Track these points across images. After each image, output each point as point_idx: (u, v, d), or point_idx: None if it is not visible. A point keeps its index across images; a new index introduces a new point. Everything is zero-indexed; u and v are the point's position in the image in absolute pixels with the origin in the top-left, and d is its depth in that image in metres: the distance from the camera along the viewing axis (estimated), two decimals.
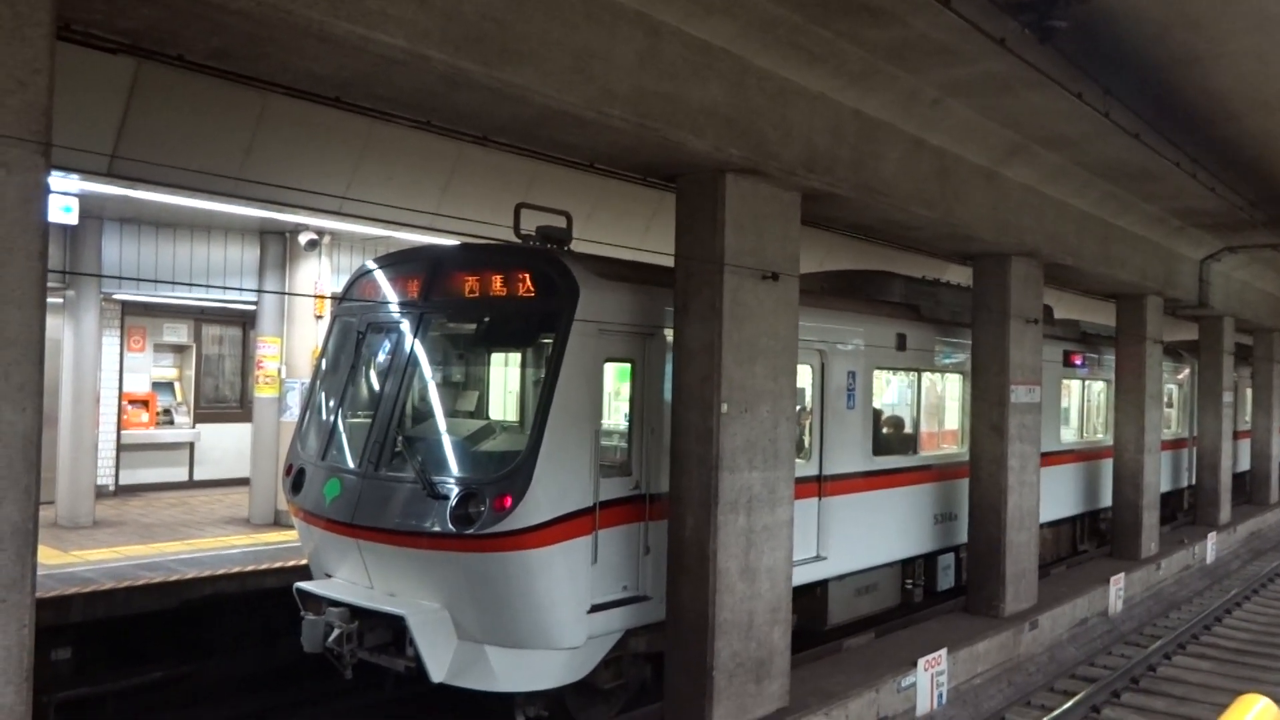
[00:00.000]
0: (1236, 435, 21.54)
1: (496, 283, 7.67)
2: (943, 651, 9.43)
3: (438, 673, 7.04)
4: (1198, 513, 19.59)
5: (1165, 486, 18.21)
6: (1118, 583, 13.46)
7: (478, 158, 11.38)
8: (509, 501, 6.91)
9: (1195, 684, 10.48)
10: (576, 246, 8.24)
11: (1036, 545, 12.18)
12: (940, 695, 9.34)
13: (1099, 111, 8.61)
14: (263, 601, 9.93)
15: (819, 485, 9.70)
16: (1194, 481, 19.98)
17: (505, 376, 8.80)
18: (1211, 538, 17.55)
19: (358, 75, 5.79)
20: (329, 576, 7.94)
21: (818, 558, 9.63)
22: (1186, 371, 20.13)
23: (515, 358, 8.64)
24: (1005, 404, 11.35)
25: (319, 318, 13.39)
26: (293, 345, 13.54)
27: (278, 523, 13.09)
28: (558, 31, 5.93)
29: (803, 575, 9.19)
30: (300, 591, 7.69)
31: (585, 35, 6.10)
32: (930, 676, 9.20)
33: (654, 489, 7.88)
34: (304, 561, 8.67)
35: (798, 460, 9.17)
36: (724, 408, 7.45)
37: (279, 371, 13.60)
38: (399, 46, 5.20)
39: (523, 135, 7.43)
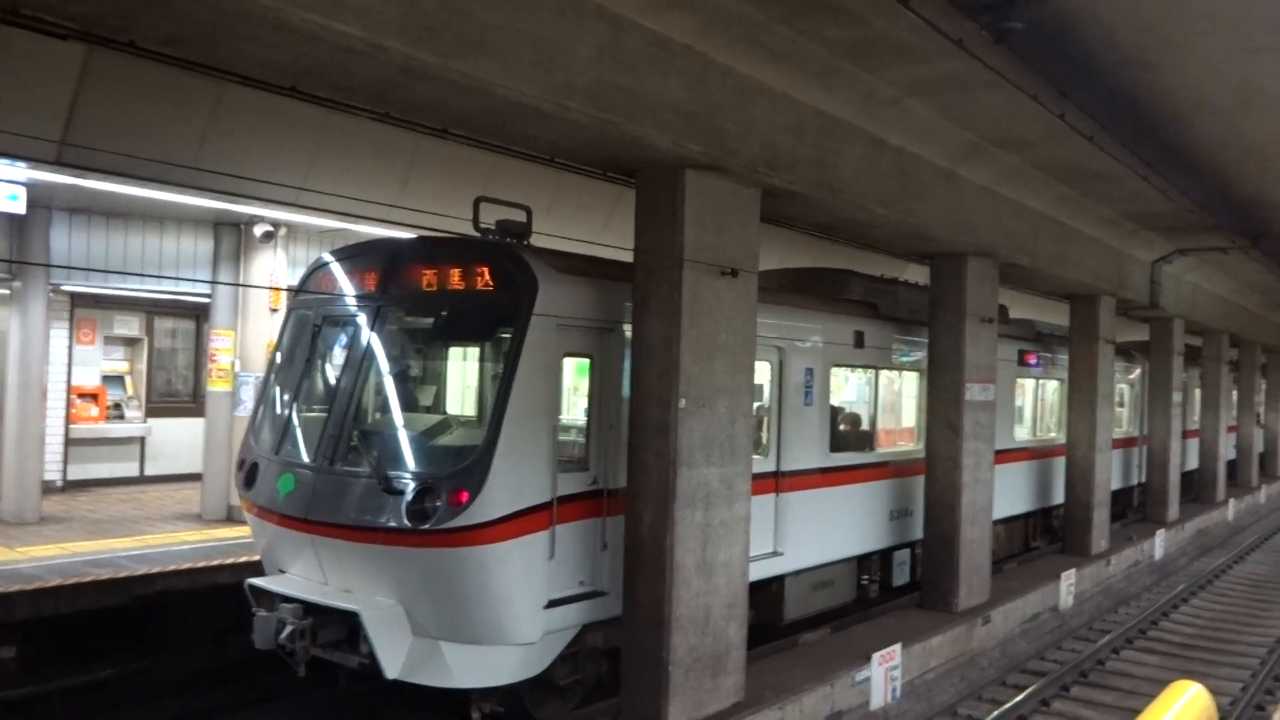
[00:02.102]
0: (1186, 434, 21.99)
1: (454, 276, 7.58)
2: (897, 646, 9.51)
3: (392, 669, 6.96)
4: (1147, 510, 19.97)
5: (1116, 484, 18.55)
6: (1068, 578, 13.68)
7: (437, 150, 11.30)
8: (465, 496, 6.86)
9: (1142, 678, 10.68)
10: (535, 241, 8.20)
11: (990, 541, 12.35)
12: (894, 689, 9.42)
13: (1054, 113, 8.74)
14: (214, 598, 9.79)
15: (776, 481, 9.72)
16: (1144, 479, 20.37)
17: (463, 371, 8.74)
18: (1160, 535, 17.89)
19: (315, 64, 5.72)
20: (282, 572, 7.83)
21: (774, 553, 9.66)
22: (1138, 371, 20.50)
23: (473, 352, 8.58)
24: (960, 402, 11.48)
25: (274, 311, 13.22)
26: (247, 339, 13.36)
27: (230, 518, 12.90)
28: (518, 23, 5.88)
29: (759, 571, 9.22)
30: (252, 587, 7.55)
31: (546, 27, 6.06)
32: (884, 671, 9.29)
33: (612, 484, 7.87)
34: (257, 557, 8.55)
35: (755, 456, 9.21)
36: (682, 403, 7.46)
37: (233, 365, 13.41)
38: (356, 36, 5.13)
39: (482, 128, 7.39)
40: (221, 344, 13.47)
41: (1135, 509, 20.35)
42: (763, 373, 9.50)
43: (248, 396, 13.03)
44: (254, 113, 9.93)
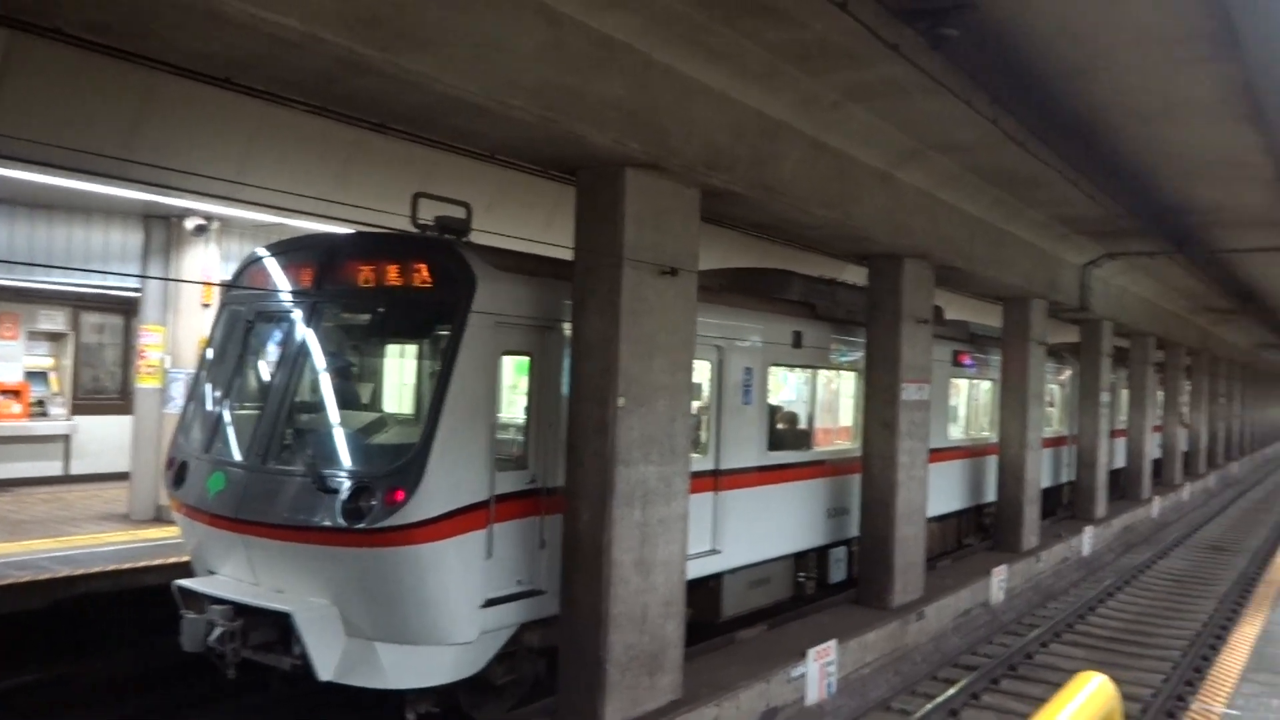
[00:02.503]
0: (1113, 434, 22.59)
1: (392, 273, 7.49)
2: (832, 642, 9.63)
3: (325, 671, 6.88)
4: (1076, 507, 20.46)
5: (1047, 482, 19.01)
6: (1000, 574, 13.97)
7: (376, 145, 11.15)
8: (401, 495, 6.80)
9: (1069, 671, 10.92)
10: (476, 238, 8.13)
11: (924, 539, 12.56)
12: (829, 685, 9.54)
13: (988, 119, 8.91)
14: (141, 600, 9.55)
15: (715, 480, 9.77)
16: (1074, 477, 20.88)
17: (399, 368, 8.64)
18: (1088, 531, 18.36)
19: (249, 56, 5.61)
20: (212, 573, 7.69)
21: (712, 551, 9.71)
22: (1069, 372, 21.00)
23: (410, 349, 8.49)
24: (896, 402, 11.66)
25: (206, 306, 12.94)
26: (178, 334, 13.07)
27: (159, 518, 12.61)
28: (458, 18, 5.84)
29: (697, 569, 9.27)
30: (180, 589, 7.38)
31: (487, 23, 6.02)
32: (820, 667, 9.40)
33: (551, 483, 7.85)
34: (186, 559, 8.37)
35: (694, 455, 9.27)
36: (621, 401, 7.47)
37: (163, 361, 13.10)
38: (292, 27, 5.04)
39: (422, 123, 7.32)
40: (151, 340, 13.15)
41: (1065, 506, 20.85)
42: (702, 372, 9.54)
43: (178, 394, 12.74)
44: (187, 103, 9.71)
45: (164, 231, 13.03)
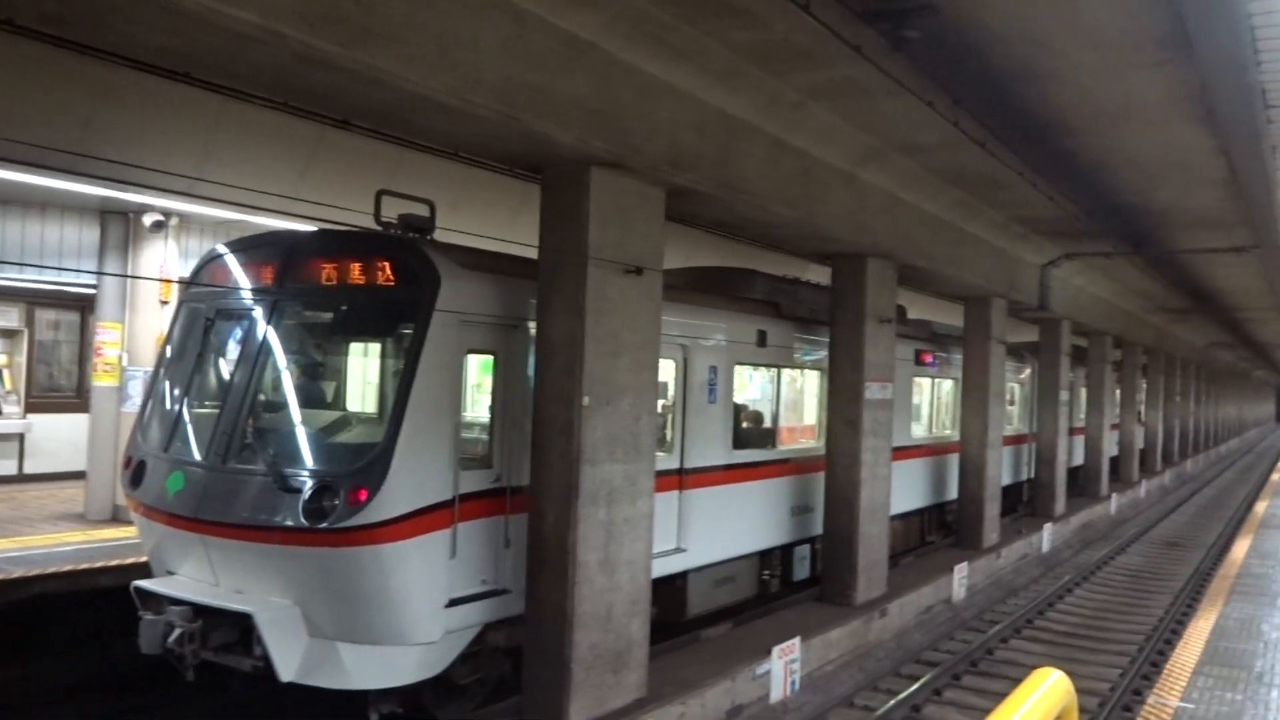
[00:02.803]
0: (1072, 432, 22.91)
1: (355, 270, 7.44)
2: (796, 640, 9.69)
3: (287, 672, 6.83)
4: (1035, 505, 20.73)
5: (1008, 479, 19.28)
6: (961, 571, 14.12)
7: (339, 141, 11.05)
8: (365, 494, 6.77)
9: (1028, 666, 11.08)
10: (440, 236, 8.09)
11: (887, 536, 12.67)
12: (793, 682, 9.60)
13: (949, 120, 9.00)
14: (97, 601, 9.40)
15: (680, 478, 9.80)
16: (1035, 475, 21.14)
17: (362, 367, 8.60)
18: (1047, 528, 18.61)
19: (208, 51, 5.55)
20: (170, 574, 7.60)
21: (678, 549, 9.75)
22: (1029, 371, 21.28)
23: (373, 348, 8.47)
24: (860, 400, 11.74)
25: (165, 303, 12.76)
26: (135, 331, 12.87)
27: (116, 518, 12.42)
28: (421, 14, 5.80)
29: (663, 567, 9.31)
30: (138, 590, 7.31)
31: (450, 20, 5.99)
32: (784, 664, 9.45)
33: (516, 482, 7.84)
34: (144, 559, 8.26)
35: (660, 454, 9.30)
36: (586, 401, 7.46)
37: (120, 359, 12.89)
38: (251, 22, 4.99)
39: (385, 120, 7.28)
40: (108, 337, 12.94)
41: (1025, 503, 21.12)
42: (667, 371, 9.58)
43: (135, 392, 12.55)
44: (144, 97, 9.55)
45: (122, 227, 12.82)
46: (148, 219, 12.49)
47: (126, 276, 12.58)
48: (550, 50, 6.73)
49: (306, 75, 5.79)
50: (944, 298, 18.60)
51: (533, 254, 7.80)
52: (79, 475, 14.05)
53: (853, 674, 10.70)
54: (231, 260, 8.13)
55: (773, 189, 9.44)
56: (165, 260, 12.85)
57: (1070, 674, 9.93)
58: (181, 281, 9.48)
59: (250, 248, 8.20)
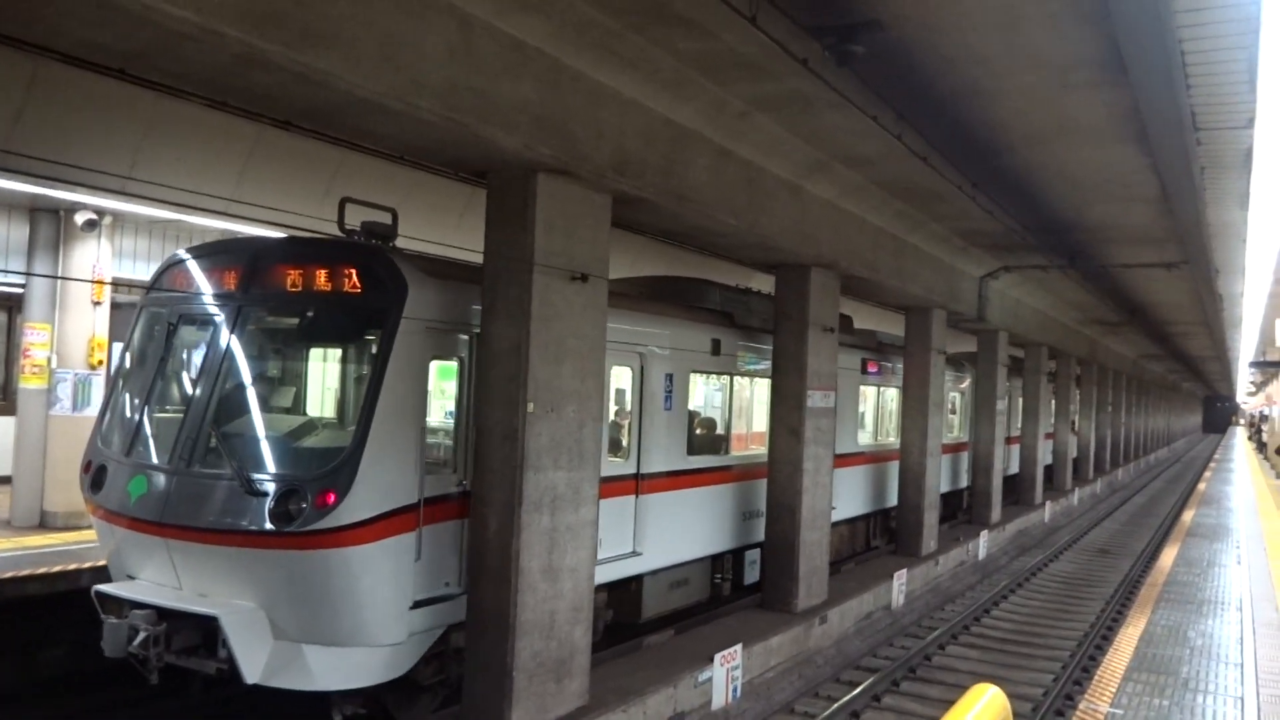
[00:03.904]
0: (1008, 441, 23.35)
1: (321, 277, 7.51)
2: (738, 647, 9.73)
3: (252, 674, 6.86)
4: (972, 512, 21.08)
5: (950, 486, 19.69)
6: (900, 578, 14.30)
7: (279, 141, 10.87)
8: (332, 498, 6.84)
9: (965, 671, 11.28)
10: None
11: (828, 544, 12.79)
12: (735, 689, 9.64)
13: (892, 134, 9.13)
14: (23, 611, 9.11)
15: (636, 483, 9.92)
16: (971, 483, 21.49)
17: (328, 373, 8.62)
18: (984, 536, 18.94)
19: (144, 48, 5.43)
20: (131, 578, 7.58)
21: (634, 553, 9.85)
22: (970, 380, 21.65)
23: (339, 354, 8.49)
24: (802, 408, 11.84)
25: (97, 304, 12.43)
26: (65, 333, 12.51)
27: (44, 525, 12.06)
28: (364, 16, 5.73)
29: (620, 570, 9.51)
30: (99, 594, 7.29)
31: (394, 22, 5.93)
32: (726, 671, 9.48)
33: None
34: (73, 567, 8.08)
35: (616, 459, 9.54)
36: (530, 407, 7.43)
37: (49, 361, 12.52)
38: (188, 20, 4.88)
39: (327, 121, 7.17)
40: (36, 338, 12.55)
41: (965, 510, 21.47)
42: (624, 378, 9.79)
43: (65, 395, 12.22)
44: (76, 92, 9.31)
45: (53, 225, 12.45)
46: (80, 217, 12.15)
47: (56, 278, 12.23)
48: (496, 55, 6.70)
49: (246, 75, 5.70)
50: (886, 307, 18.87)
51: (478, 259, 7.74)
52: (4, 480, 13.62)
53: (793, 680, 10.77)
54: (194, 265, 8.11)
55: (718, 198, 9.50)
56: (98, 260, 12.52)
57: (1005, 680, 10.16)
58: (117, 283, 9.24)
59: (214, 253, 8.24)
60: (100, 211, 12.20)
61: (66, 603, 9.24)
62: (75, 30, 5.23)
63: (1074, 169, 11.33)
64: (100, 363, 12.63)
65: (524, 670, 7.53)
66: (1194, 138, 8.74)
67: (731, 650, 9.61)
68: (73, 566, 9.63)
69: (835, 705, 9.66)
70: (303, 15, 5.37)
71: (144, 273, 13.85)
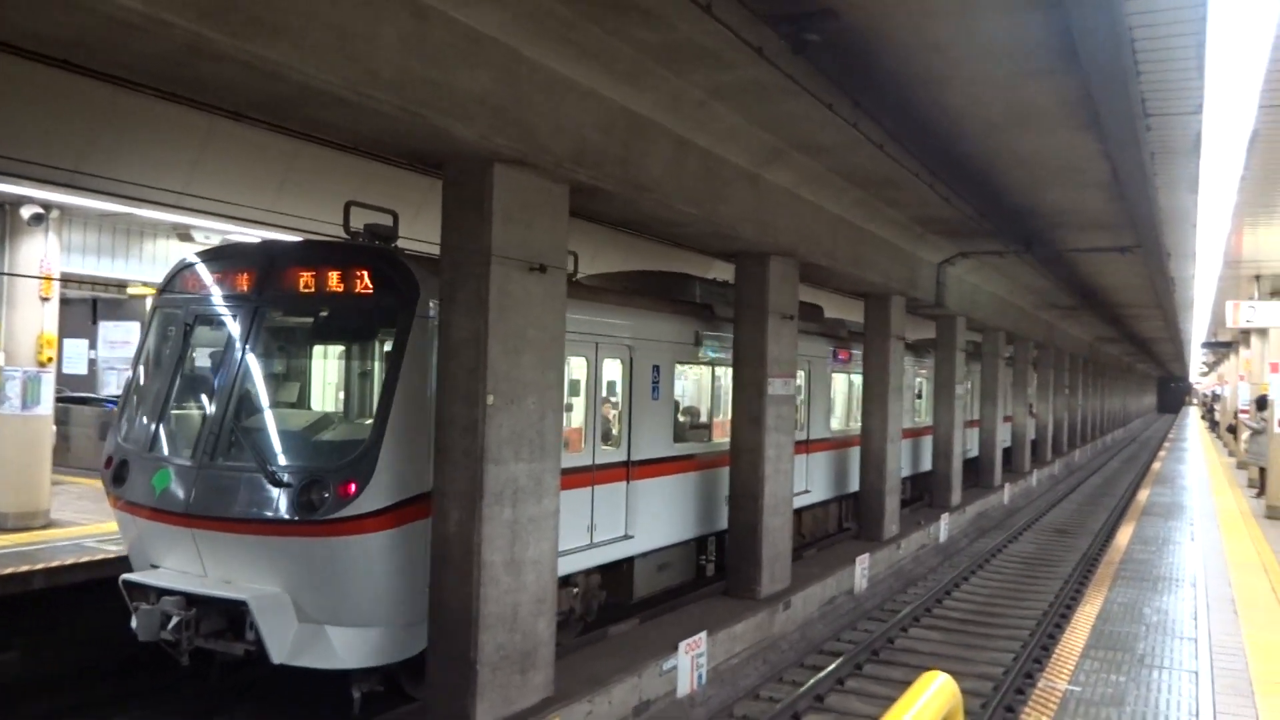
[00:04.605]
0: (968, 424, 23.64)
1: (334, 279, 7.92)
2: (702, 634, 9.78)
3: (279, 654, 7.31)
4: (933, 495, 21.32)
5: (908, 470, 19.99)
6: (863, 563, 14.44)
7: (233, 132, 10.68)
8: (353, 488, 7.31)
9: (927, 653, 11.43)
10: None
11: (791, 529, 12.91)
12: (700, 676, 9.69)
13: (848, 122, 9.18)
14: None
15: (627, 470, 10.42)
16: (932, 466, 21.72)
17: (345, 369, 9.12)
18: (944, 519, 19.17)
19: (89, 37, 5.31)
20: (154, 567, 7.96)
21: (626, 537, 10.35)
22: (931, 366, 21.84)
23: (355, 351, 8.96)
24: (763, 396, 11.90)
25: (45, 300, 12.18)
26: (13, 330, 12.24)
27: None
28: (315, 6, 5.64)
29: (613, 553, 10.12)
30: (127, 583, 7.72)
31: (346, 12, 5.84)
32: (690, 659, 9.53)
33: None
34: (25, 569, 8.37)
35: (608, 447, 10.20)
36: (490, 399, 7.40)
37: None
38: (134, 9, 4.78)
39: (280, 112, 7.08)
40: None
41: (929, 493, 21.70)
42: (615, 370, 10.40)
43: (14, 393, 11.98)
44: (22, 83, 9.09)
45: None
46: (26, 211, 11.90)
47: (1, 275, 11.97)
48: (452, 45, 6.63)
49: (195, 66, 5.59)
50: (846, 294, 18.97)
51: (434, 250, 7.70)
52: None
53: (758, 666, 10.85)
54: (210, 268, 8.49)
55: (677, 187, 9.49)
56: (45, 255, 12.27)
57: (967, 660, 10.30)
58: (86, 280, 9.07)
59: (228, 257, 8.72)
60: (47, 205, 11.96)
61: (16, 607, 9.10)
62: (16, 18, 5.10)
63: (1029, 155, 11.46)
64: (50, 360, 12.40)
65: (488, 663, 7.52)
66: (1144, 124, 8.86)
67: (696, 638, 9.66)
68: (24, 568, 9.47)
69: (800, 690, 9.74)
70: (250, 4, 5.28)
71: (93, 268, 13.61)
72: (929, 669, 3.27)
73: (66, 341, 22.98)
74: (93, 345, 22.12)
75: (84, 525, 11.79)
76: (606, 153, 8.35)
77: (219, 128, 10.58)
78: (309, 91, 5.93)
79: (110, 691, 8.90)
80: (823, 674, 10.24)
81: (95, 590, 9.55)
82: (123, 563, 9.76)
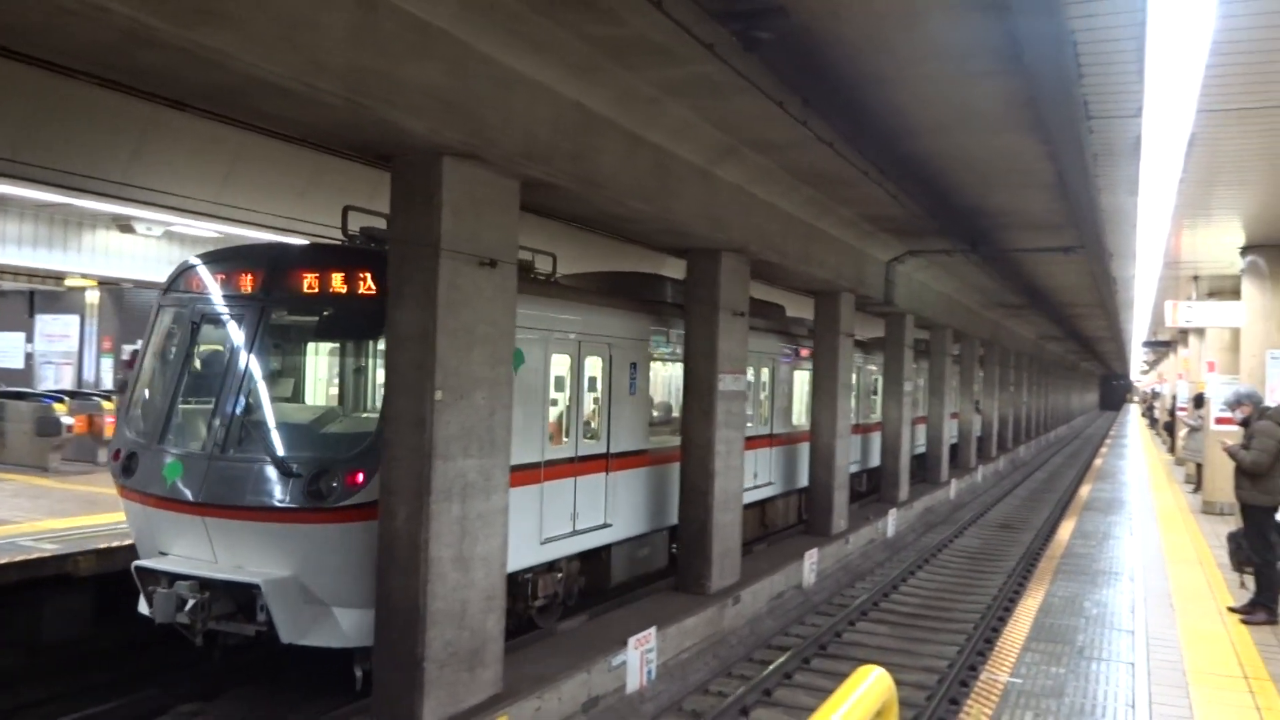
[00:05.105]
0: (916, 421, 23.94)
1: (338, 280, 8.18)
2: (652, 630, 9.80)
3: (289, 635, 7.67)
4: (881, 491, 21.57)
5: (862, 466, 20.46)
6: (811, 557, 14.57)
7: (176, 123, 10.47)
8: (361, 478, 7.65)
9: (874, 647, 11.57)
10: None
11: (740, 525, 12.99)
12: (649, 671, 9.71)
13: (798, 120, 9.24)
14: None
15: (606, 462, 10.97)
16: (881, 462, 21.98)
17: (350, 366, 9.42)
18: (892, 514, 19.40)
19: (24, 23, 5.17)
20: (163, 554, 8.24)
21: (605, 525, 10.93)
22: (880, 363, 22.07)
23: (361, 349, 9.24)
24: (714, 392, 11.95)
25: None
26: None
27: None
28: None
29: (594, 540, 10.72)
30: (139, 569, 8.09)
31: (292, 0, 5.75)
32: (640, 654, 9.54)
33: None
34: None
35: (589, 441, 10.73)
36: (439, 395, 7.34)
37: None
38: None
39: (224, 103, 6.97)
40: None
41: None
42: (596, 367, 10.89)
43: None
44: None
45: None
46: None
47: None
48: (400, 36, 6.56)
49: (135, 53, 5.47)
50: (797, 292, 19.10)
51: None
52: None
53: (708, 661, 10.90)
54: (215, 269, 8.79)
55: (629, 184, 9.49)
56: None
57: (912, 654, 10.43)
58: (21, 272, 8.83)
59: (232, 258, 8.95)
60: None
61: None
62: None
63: (975, 156, 11.63)
64: None
65: (435, 660, 7.46)
66: (1086, 127, 9.02)
67: (646, 633, 9.68)
68: None
69: (748, 684, 9.81)
70: None
71: (30, 259, 13.28)
72: (876, 663, 3.31)
73: (1, 335, 22.44)
74: (30, 339, 21.59)
75: (19, 523, 11.51)
76: (558, 148, 8.32)
77: (161, 117, 10.36)
78: (253, 81, 5.83)
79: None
80: (771, 668, 10.32)
81: (29, 591, 9.34)
82: (60, 562, 9.58)
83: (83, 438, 16.24)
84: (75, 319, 18.45)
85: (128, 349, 18.02)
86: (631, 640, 9.46)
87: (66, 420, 15.85)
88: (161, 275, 15.19)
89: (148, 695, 8.81)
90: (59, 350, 18.75)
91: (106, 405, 16.36)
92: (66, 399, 16.53)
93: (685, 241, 11.82)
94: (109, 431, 16.26)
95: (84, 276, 14.73)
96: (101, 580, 9.84)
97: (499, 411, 8.01)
